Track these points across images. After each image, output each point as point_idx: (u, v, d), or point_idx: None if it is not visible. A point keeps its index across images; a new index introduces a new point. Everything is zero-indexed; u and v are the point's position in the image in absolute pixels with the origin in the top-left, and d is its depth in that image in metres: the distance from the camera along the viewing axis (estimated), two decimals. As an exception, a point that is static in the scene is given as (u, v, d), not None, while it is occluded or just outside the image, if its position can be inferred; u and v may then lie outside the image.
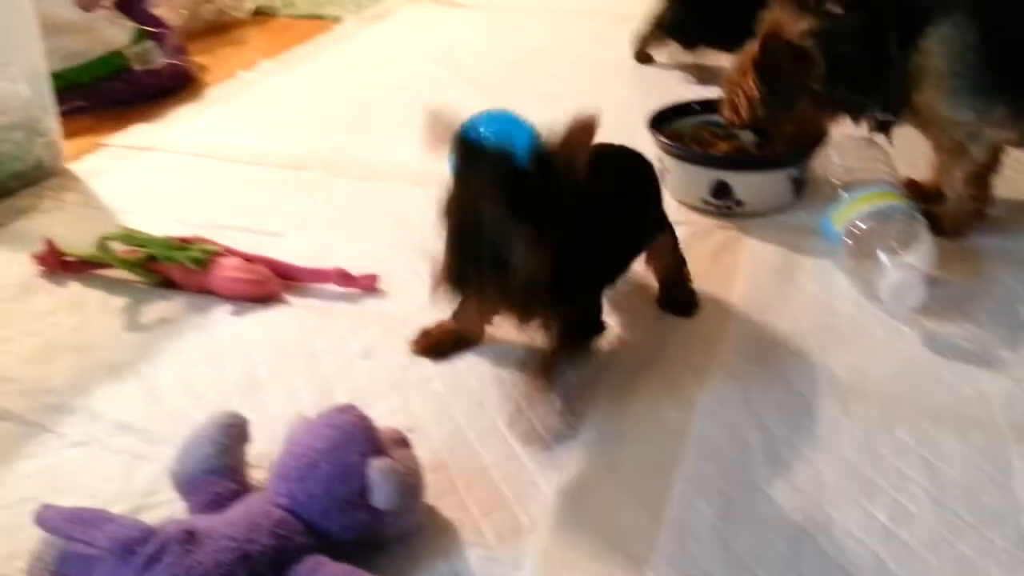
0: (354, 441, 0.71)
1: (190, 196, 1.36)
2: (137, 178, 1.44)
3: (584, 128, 0.74)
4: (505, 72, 1.84)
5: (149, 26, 1.74)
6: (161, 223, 1.19)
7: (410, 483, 0.73)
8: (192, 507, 0.74)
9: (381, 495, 0.69)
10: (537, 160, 0.73)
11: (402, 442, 0.78)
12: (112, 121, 1.63)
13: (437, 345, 0.99)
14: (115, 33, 1.70)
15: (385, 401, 0.92)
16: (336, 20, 2.21)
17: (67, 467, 0.84)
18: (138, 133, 1.59)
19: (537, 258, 0.73)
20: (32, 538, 0.75)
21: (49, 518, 0.67)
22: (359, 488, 0.69)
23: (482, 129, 1.56)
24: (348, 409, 0.75)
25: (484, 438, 0.87)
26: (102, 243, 1.10)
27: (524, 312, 0.85)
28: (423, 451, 0.81)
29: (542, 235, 0.73)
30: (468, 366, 0.97)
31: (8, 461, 0.85)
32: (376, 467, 0.69)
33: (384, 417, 0.85)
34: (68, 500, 0.79)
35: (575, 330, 0.91)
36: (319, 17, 2.24)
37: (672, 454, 0.84)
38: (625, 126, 1.54)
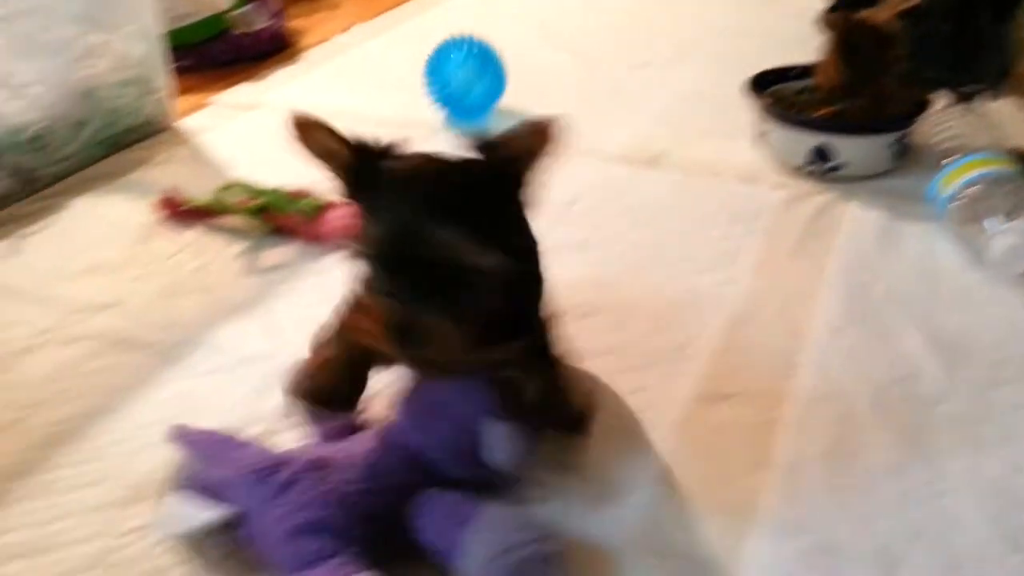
0: (479, 395, 0.73)
1: (292, 154, 1.43)
2: (242, 135, 1.51)
3: (539, 131, 0.67)
4: (596, 37, 1.88)
5: (252, -11, 1.82)
6: (266, 178, 1.26)
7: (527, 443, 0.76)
8: (319, 435, 0.80)
9: (499, 455, 0.72)
10: (487, 166, 0.67)
11: None
12: (216, 81, 1.72)
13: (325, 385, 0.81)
14: (217, -5, 1.78)
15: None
16: (424, -14, 2.26)
17: (199, 393, 0.91)
18: (241, 92, 1.67)
19: (502, 281, 0.65)
20: (170, 455, 0.84)
21: (184, 437, 0.74)
22: (479, 444, 0.72)
23: (452, 55, 1.58)
24: None
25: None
26: (220, 193, 1.17)
27: (484, 353, 0.69)
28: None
29: (503, 252, 0.65)
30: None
31: (145, 386, 0.92)
32: (496, 428, 0.72)
33: None
34: (202, 422, 0.87)
35: (542, 357, 0.79)
36: (407, -17, 2.30)
37: (775, 411, 0.87)
38: (719, 91, 1.58)
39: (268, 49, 1.81)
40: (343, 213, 1.15)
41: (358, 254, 0.66)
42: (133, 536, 0.75)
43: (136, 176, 1.37)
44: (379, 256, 0.64)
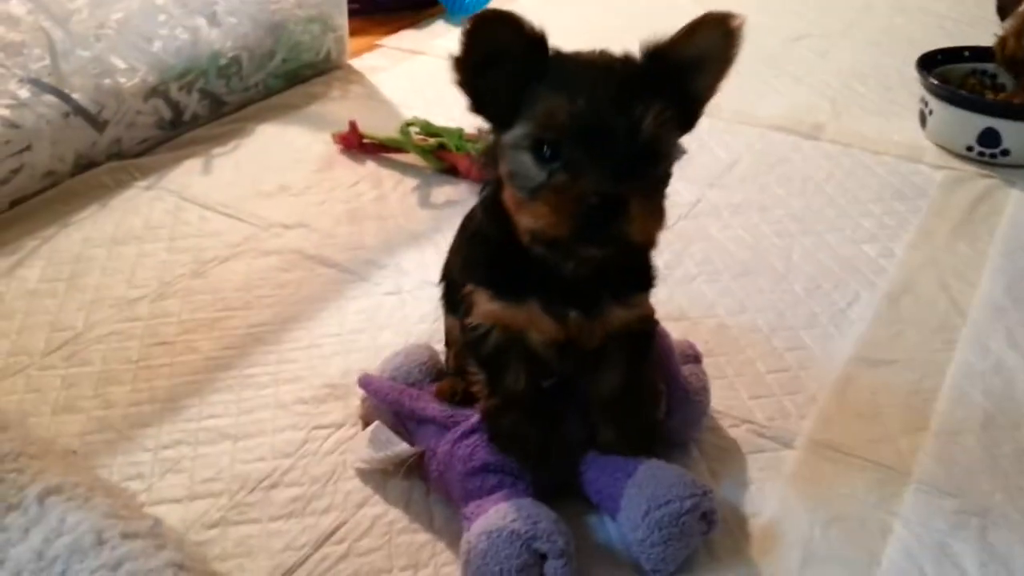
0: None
1: (460, 98, 1.47)
2: (409, 78, 1.57)
3: (729, 28, 0.60)
4: (751, 8, 1.85)
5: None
6: (433, 118, 1.30)
7: (697, 402, 0.79)
8: None
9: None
10: (652, 59, 0.61)
11: (694, 357, 0.84)
12: (381, 25, 1.78)
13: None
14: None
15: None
16: (581, -54, 2.27)
17: (384, 309, 0.98)
18: (408, 38, 1.73)
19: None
20: (360, 360, 0.90)
21: (371, 383, 0.80)
22: None
23: None
24: None
25: (747, 334, 0.94)
26: (404, 128, 1.23)
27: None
28: (692, 339, 0.88)
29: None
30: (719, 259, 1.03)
31: (337, 300, 0.99)
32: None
33: None
34: (386, 335, 0.94)
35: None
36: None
37: (934, 379, 0.88)
38: (880, 69, 1.55)
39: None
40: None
41: (535, 140, 0.59)
42: (325, 431, 0.82)
43: (314, 109, 1.44)
44: (575, 133, 0.58)
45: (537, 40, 0.61)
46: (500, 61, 0.60)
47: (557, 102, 0.58)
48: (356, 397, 0.85)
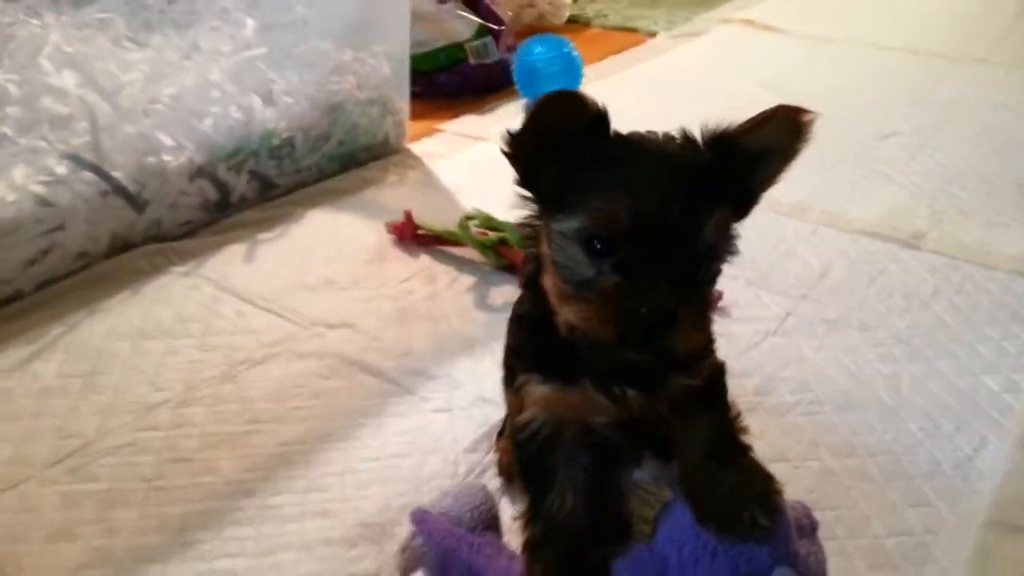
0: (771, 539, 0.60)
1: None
2: (469, 164, 1.46)
3: (795, 121, 0.56)
4: (832, 101, 1.72)
5: (490, 22, 1.78)
6: (495, 210, 1.19)
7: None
8: None
9: None
10: (717, 147, 0.57)
11: (810, 527, 0.67)
12: (443, 110, 1.68)
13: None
14: (458, 26, 1.76)
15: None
16: (649, 34, 2.19)
17: (431, 430, 0.84)
18: (469, 123, 1.63)
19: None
20: (401, 494, 0.77)
21: (425, 523, 0.65)
22: None
23: (538, 47, 1.60)
24: None
25: (858, 483, 0.78)
26: (463, 222, 1.11)
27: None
28: (794, 488, 0.73)
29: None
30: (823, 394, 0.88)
31: (379, 416, 0.86)
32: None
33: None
34: (433, 462, 0.81)
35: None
36: (631, 30, 2.23)
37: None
38: (984, 168, 1.40)
39: (496, 83, 1.77)
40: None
41: (589, 234, 0.54)
42: (358, 582, 0.68)
43: (369, 195, 1.34)
44: (634, 233, 0.52)
45: (599, 118, 0.56)
46: (560, 137, 0.56)
47: (618, 198, 0.53)
48: (394, 541, 0.71)
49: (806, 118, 0.56)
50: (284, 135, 1.30)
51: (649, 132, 0.59)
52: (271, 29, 1.37)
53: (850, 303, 1.05)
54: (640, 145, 0.57)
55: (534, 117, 0.57)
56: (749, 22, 2.24)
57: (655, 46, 2.11)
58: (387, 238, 1.19)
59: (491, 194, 1.33)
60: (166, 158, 1.18)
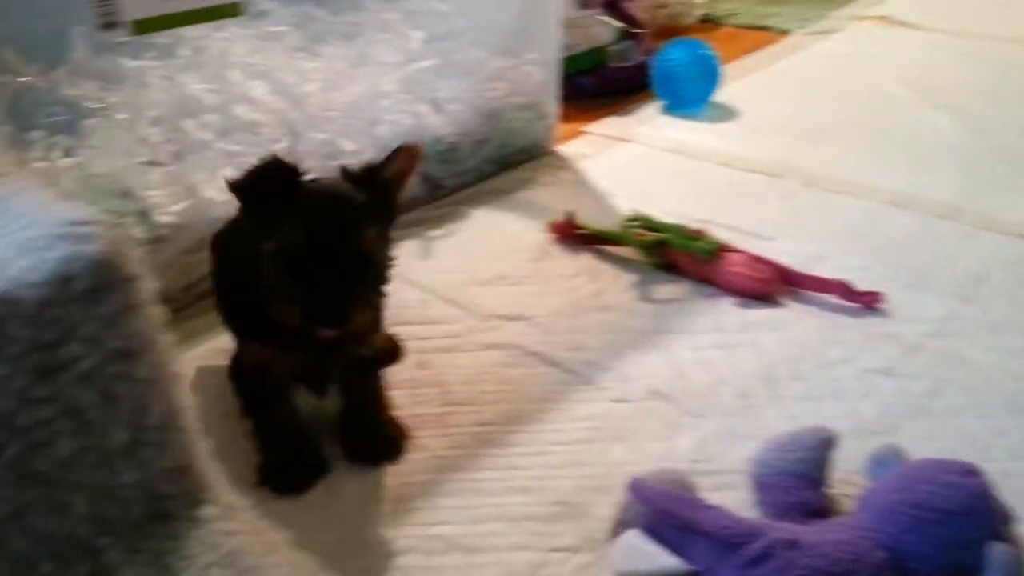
0: (978, 513, 0.65)
1: (669, 189, 1.41)
2: (614, 165, 1.52)
3: (411, 154, 0.79)
4: (977, 98, 1.70)
5: (631, 26, 1.83)
6: (644, 209, 1.23)
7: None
8: (765, 505, 0.75)
9: None
10: (371, 181, 0.77)
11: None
12: (586, 112, 1.74)
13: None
14: (600, 30, 1.81)
15: (914, 425, 0.88)
16: (783, 32, 2.19)
17: (612, 419, 0.90)
18: (613, 125, 1.68)
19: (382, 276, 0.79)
20: (592, 477, 0.83)
21: (643, 490, 0.71)
22: (973, 565, 0.63)
23: (676, 52, 1.70)
24: (975, 472, 0.68)
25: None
26: (625, 223, 1.17)
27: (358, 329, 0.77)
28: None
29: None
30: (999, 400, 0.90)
31: (561, 402, 0.93)
32: (998, 553, 0.63)
33: (914, 443, 0.82)
34: (618, 450, 0.86)
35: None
36: (765, 28, 2.23)
37: None
38: None
39: (636, 85, 1.81)
40: (738, 260, 1.11)
41: (280, 255, 0.73)
42: (560, 555, 0.75)
43: (525, 195, 1.41)
44: (301, 254, 0.72)
45: (292, 172, 0.76)
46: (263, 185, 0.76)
47: (288, 230, 0.73)
48: (591, 519, 0.78)
49: (418, 150, 0.79)
50: (450, 140, 1.38)
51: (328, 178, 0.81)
52: (433, 40, 1.46)
53: (1012, 306, 1.06)
54: (315, 189, 0.76)
55: (247, 175, 0.76)
56: (883, 18, 2.22)
57: (790, 44, 2.11)
58: (548, 237, 1.25)
59: (640, 193, 1.38)
60: (348, 161, 1.27)
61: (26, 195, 0.50)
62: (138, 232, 1.09)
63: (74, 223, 0.47)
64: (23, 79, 1.21)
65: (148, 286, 0.51)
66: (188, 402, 0.56)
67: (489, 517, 0.79)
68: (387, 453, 0.86)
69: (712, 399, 0.92)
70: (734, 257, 1.11)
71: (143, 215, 1.11)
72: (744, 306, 1.08)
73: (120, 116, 1.20)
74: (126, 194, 1.12)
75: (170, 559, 0.50)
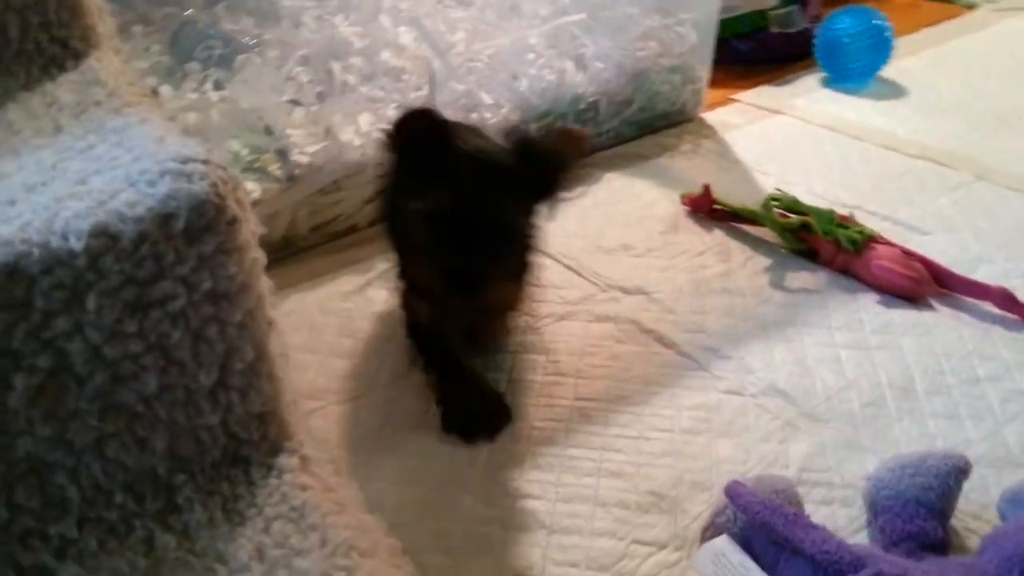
0: None
1: (822, 169, 1.30)
2: (766, 139, 1.41)
3: (575, 138, 0.79)
4: None
5: (799, -9, 1.69)
6: (791, 190, 1.14)
7: None
8: (877, 529, 0.68)
9: None
10: (520, 153, 0.74)
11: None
12: (739, 78, 1.63)
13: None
14: (764, -7, 1.68)
15: None
16: (969, 7, 1.97)
17: (723, 411, 0.84)
18: (766, 94, 1.57)
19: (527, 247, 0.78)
20: (692, 472, 0.78)
21: (741, 495, 0.65)
22: None
23: (846, 19, 1.56)
24: None
25: None
26: (767, 202, 1.08)
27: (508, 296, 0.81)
28: None
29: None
30: None
31: (671, 387, 0.87)
32: None
33: None
34: (725, 446, 0.80)
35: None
36: (948, 1, 2.02)
37: None
38: None
39: (797, 53, 1.68)
40: (887, 254, 1.00)
41: (427, 216, 0.72)
42: (644, 548, 0.70)
43: (663, 161, 1.34)
44: (451, 218, 0.70)
45: (443, 127, 0.75)
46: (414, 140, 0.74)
47: (434, 191, 0.72)
48: (684, 516, 0.73)
49: (582, 134, 0.81)
50: (591, 99, 1.33)
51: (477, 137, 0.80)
52: (586, -6, 1.39)
53: None
54: (468, 152, 0.74)
55: (399, 124, 0.74)
56: (1093, -3, 1.96)
57: (975, 19, 1.91)
58: (681, 208, 1.19)
59: (789, 171, 1.29)
60: (486, 115, 1.24)
61: (145, 127, 0.50)
62: (275, 169, 1.11)
63: (181, 160, 0.46)
64: (187, 12, 1.25)
65: (250, 230, 0.50)
66: (280, 349, 0.55)
67: (577, 498, 0.75)
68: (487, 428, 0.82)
69: (837, 404, 0.84)
70: (883, 250, 1.01)
71: (281, 153, 1.12)
72: (887, 305, 0.98)
73: (271, 53, 1.22)
74: (268, 131, 1.14)
75: (240, 504, 0.49)
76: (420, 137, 0.73)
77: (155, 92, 1.14)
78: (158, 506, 0.48)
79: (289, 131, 1.14)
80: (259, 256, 0.52)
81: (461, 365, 0.84)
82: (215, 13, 1.26)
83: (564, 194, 0.80)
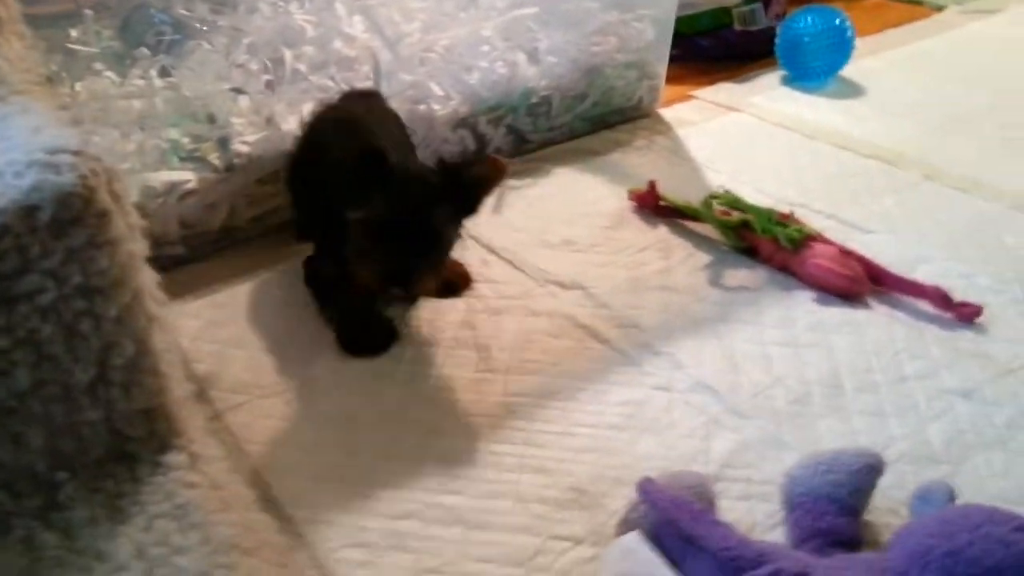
0: None
1: (773, 167, 1.29)
2: (721, 136, 1.41)
3: (498, 167, 0.85)
4: None
5: (762, -11, 1.68)
6: (741, 187, 1.14)
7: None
8: (790, 525, 0.68)
9: None
10: (447, 175, 0.85)
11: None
12: (698, 75, 1.62)
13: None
14: (726, -10, 1.67)
15: (986, 459, 0.77)
16: (936, 8, 1.97)
17: (649, 407, 0.83)
18: (725, 91, 1.56)
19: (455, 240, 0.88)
20: (614, 467, 0.77)
21: (651, 492, 0.65)
22: None
23: (807, 18, 1.55)
24: None
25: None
26: (707, 200, 1.08)
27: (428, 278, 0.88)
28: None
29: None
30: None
31: (600, 383, 0.86)
32: None
33: (980, 480, 0.75)
34: (648, 442, 0.80)
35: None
36: (916, 2, 2.02)
37: None
38: None
39: (759, 51, 1.67)
40: (825, 252, 1.00)
41: (366, 224, 0.83)
42: (563, 544, 0.70)
43: (615, 157, 1.33)
44: (388, 226, 0.83)
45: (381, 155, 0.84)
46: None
47: (379, 204, 0.83)
48: (603, 512, 0.72)
49: (505, 164, 0.86)
50: (543, 93, 1.31)
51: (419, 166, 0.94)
52: (542, -14, 1.38)
53: None
54: (403, 173, 0.85)
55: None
56: (1058, 0, 1.96)
57: (941, 21, 1.90)
58: (628, 204, 1.18)
59: (740, 169, 1.28)
60: (435, 107, 1.23)
61: (25, 118, 0.48)
62: (215, 158, 1.10)
63: (50, 151, 0.45)
64: (144, -3, 1.23)
65: (126, 223, 0.48)
66: (167, 343, 0.54)
67: (498, 493, 0.75)
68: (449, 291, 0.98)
69: (763, 400, 0.84)
70: (821, 248, 1.00)
71: (222, 142, 1.10)
72: (822, 303, 0.97)
73: (222, 40, 1.20)
74: (211, 119, 1.12)
75: (123, 502, 0.48)
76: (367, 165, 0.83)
77: (106, 78, 1.12)
78: (37, 504, 0.47)
79: (233, 119, 1.13)
80: (137, 249, 0.50)
81: (356, 297, 0.93)
82: (168, -2, 1.24)
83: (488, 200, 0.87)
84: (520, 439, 0.80)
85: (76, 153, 0.45)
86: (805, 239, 1.01)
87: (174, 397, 0.52)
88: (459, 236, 0.88)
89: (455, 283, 1.01)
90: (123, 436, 0.50)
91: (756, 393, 0.85)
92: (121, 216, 0.48)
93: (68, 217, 0.44)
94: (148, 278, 0.52)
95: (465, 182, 0.85)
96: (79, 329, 0.47)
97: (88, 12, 1.20)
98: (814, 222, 1.07)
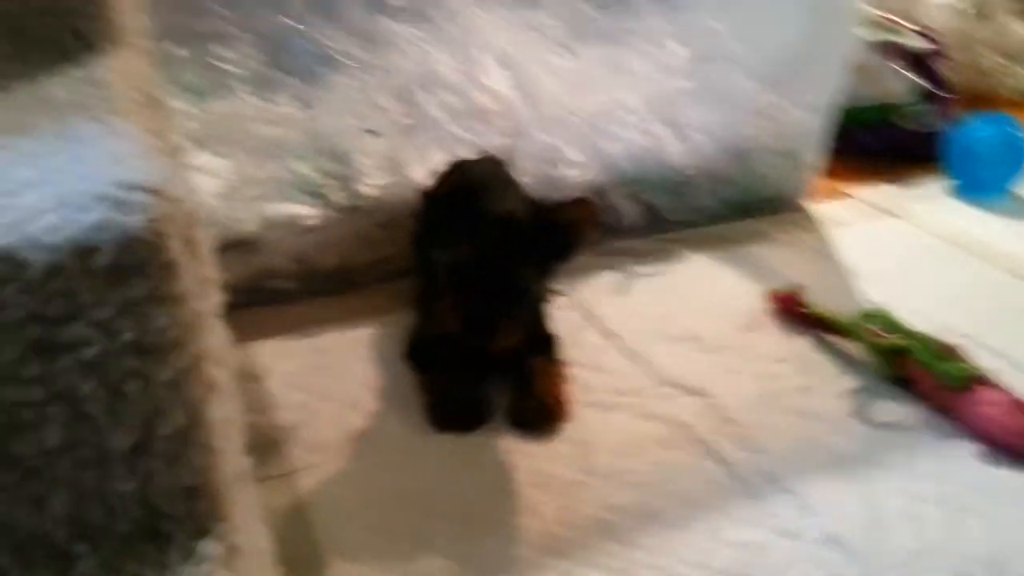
0: None
1: (936, 287, 1.13)
2: (876, 243, 1.26)
3: (587, 209, 0.83)
4: None
5: (935, 87, 1.53)
6: (895, 305, 0.98)
7: None
8: None
9: None
10: (538, 216, 0.82)
11: None
12: (856, 172, 1.48)
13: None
14: (897, 85, 1.53)
15: None
16: None
17: (769, 555, 0.70)
18: (884, 194, 1.41)
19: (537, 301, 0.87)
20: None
21: None
22: None
23: (981, 130, 1.42)
24: None
25: None
26: (860, 318, 0.94)
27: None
28: None
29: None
30: None
31: (714, 512, 0.74)
32: None
33: None
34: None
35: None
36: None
37: None
38: None
39: (925, 154, 1.51)
40: (996, 399, 0.84)
41: (447, 268, 0.81)
42: None
43: (755, 249, 1.20)
44: (468, 273, 0.79)
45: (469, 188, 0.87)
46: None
47: (463, 248, 0.80)
48: None
49: (595, 207, 0.85)
50: (687, 172, 1.21)
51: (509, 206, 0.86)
52: (698, 59, 1.28)
53: None
54: (493, 215, 0.81)
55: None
56: None
57: None
58: (766, 306, 1.05)
59: (896, 283, 1.13)
60: (569, 172, 1.14)
61: (112, 141, 0.42)
62: (339, 197, 1.04)
63: (124, 185, 0.38)
64: (299, 26, 1.21)
65: (194, 276, 0.41)
66: (228, 413, 0.46)
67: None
68: (539, 422, 0.84)
69: (908, 573, 0.69)
70: (991, 394, 0.85)
71: (347, 180, 1.05)
72: (989, 461, 0.81)
73: (364, 77, 1.15)
74: (340, 158, 1.07)
75: (144, 590, 0.40)
76: (457, 197, 0.83)
77: (245, 100, 1.09)
78: (49, 576, 0.40)
79: (363, 159, 1.07)
80: (206, 308, 0.43)
81: (449, 373, 0.87)
82: (324, 31, 1.21)
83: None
84: (612, 567, 0.68)
85: (153, 192, 0.38)
86: (972, 379, 0.85)
87: (223, 476, 0.44)
88: (548, 291, 0.86)
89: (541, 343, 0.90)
90: (157, 513, 0.42)
91: (903, 562, 0.70)
92: (193, 268, 0.41)
93: (129, 264, 0.37)
94: (216, 339, 0.45)
95: (558, 223, 0.81)
96: (125, 390, 0.40)
97: (242, 34, 1.19)
98: (982, 360, 0.91)
